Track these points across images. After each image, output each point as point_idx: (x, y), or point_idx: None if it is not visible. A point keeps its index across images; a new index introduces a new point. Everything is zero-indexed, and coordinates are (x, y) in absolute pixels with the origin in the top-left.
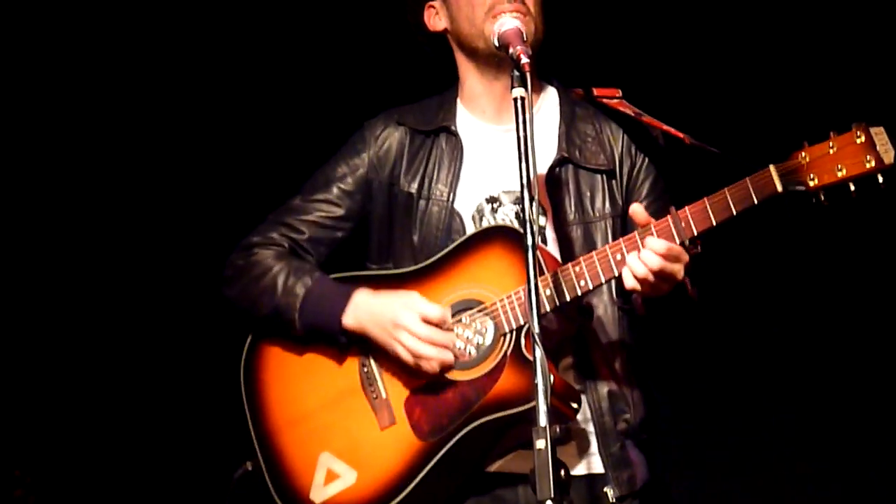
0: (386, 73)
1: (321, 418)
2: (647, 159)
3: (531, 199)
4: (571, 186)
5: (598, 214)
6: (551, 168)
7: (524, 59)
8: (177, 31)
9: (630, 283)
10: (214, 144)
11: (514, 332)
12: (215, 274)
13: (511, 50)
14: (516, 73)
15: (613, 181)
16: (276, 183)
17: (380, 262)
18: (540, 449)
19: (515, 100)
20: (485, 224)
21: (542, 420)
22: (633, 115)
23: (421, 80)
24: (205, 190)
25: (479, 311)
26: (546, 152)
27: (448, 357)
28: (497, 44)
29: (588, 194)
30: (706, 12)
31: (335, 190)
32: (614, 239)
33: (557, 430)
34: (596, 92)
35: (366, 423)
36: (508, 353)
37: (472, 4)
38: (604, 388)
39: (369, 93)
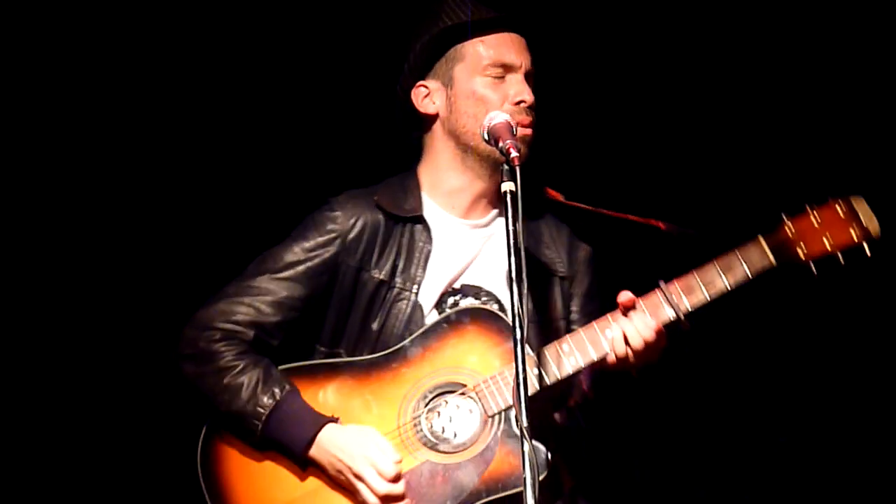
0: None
1: None
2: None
3: (521, 296)
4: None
5: (556, 315)
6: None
7: (514, 154)
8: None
9: (620, 349)
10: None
11: (503, 413)
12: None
13: (501, 143)
14: (506, 167)
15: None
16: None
17: (330, 346)
18: None
19: (505, 193)
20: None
21: None
22: (591, 209)
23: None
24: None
25: (461, 394)
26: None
27: None
28: (486, 136)
29: (545, 296)
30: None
31: (302, 268)
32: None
33: None
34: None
35: None
36: (499, 434)
37: (482, 102)
38: None
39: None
